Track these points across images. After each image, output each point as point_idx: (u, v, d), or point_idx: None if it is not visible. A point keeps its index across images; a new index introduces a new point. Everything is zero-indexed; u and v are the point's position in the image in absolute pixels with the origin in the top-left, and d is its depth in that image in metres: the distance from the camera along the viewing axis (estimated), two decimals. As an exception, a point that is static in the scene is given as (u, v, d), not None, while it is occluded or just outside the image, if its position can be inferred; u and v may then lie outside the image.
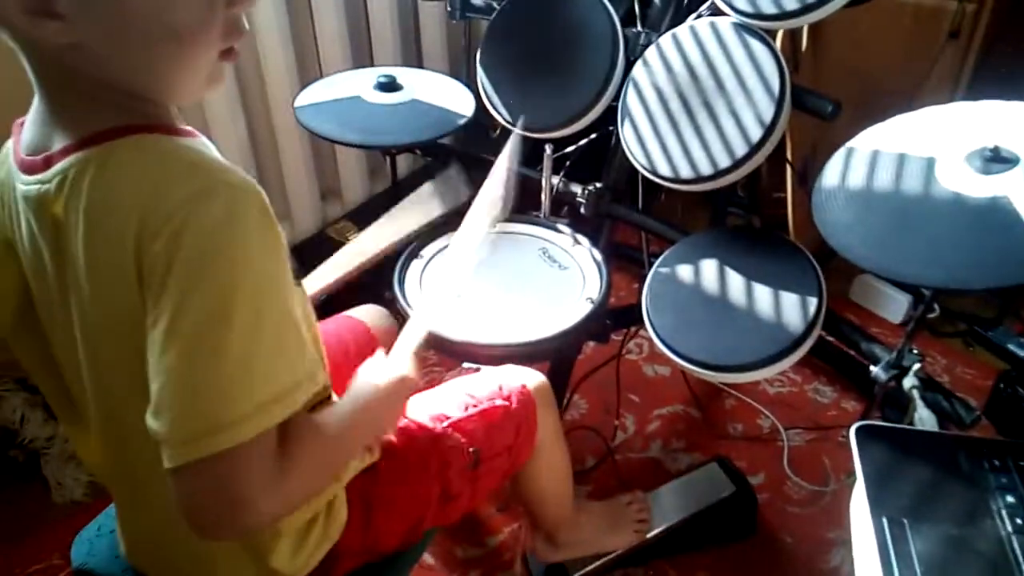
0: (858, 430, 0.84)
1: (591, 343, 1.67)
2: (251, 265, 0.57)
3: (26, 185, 0.62)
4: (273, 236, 0.59)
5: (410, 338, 0.88)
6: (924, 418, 0.90)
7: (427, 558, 1.35)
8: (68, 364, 0.71)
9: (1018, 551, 0.71)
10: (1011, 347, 1.71)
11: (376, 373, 0.79)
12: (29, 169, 0.62)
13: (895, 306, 1.83)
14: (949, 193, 0.85)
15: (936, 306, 1.82)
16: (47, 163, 0.60)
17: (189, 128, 0.65)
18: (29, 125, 0.64)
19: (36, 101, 0.63)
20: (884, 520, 0.75)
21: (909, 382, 0.95)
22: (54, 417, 1.53)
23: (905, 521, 0.74)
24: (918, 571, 0.70)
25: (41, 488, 1.51)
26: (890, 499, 0.77)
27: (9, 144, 0.67)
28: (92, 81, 0.59)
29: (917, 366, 0.97)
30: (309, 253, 1.84)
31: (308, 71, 1.73)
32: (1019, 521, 0.74)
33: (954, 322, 1.83)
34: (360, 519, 0.84)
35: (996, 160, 0.84)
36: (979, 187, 0.84)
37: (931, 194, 0.86)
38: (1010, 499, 0.76)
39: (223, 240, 0.56)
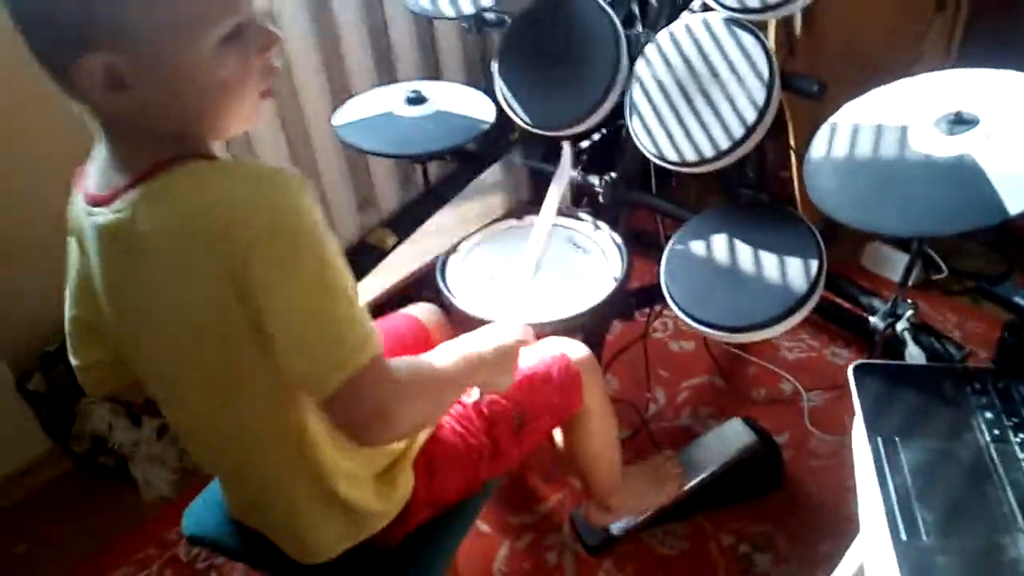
0: (855, 368, 0.95)
1: (619, 324, 1.80)
2: (320, 230, 0.71)
3: (99, 216, 0.75)
4: (314, 201, 0.72)
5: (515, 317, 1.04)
6: (913, 355, 1.02)
7: (483, 526, 1.48)
8: (166, 370, 0.84)
9: (995, 456, 0.83)
10: (1017, 299, 1.79)
11: (498, 335, 0.94)
12: (100, 202, 0.75)
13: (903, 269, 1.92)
14: (920, 155, 0.97)
15: (944, 266, 1.92)
16: (114, 195, 0.73)
17: (218, 155, 0.78)
18: (94, 171, 0.77)
19: (99, 150, 0.77)
20: (879, 439, 0.86)
21: (901, 325, 1.06)
22: (137, 423, 1.70)
23: (897, 439, 0.86)
24: (908, 478, 0.82)
25: (131, 488, 1.67)
26: (884, 422, 0.88)
27: (76, 191, 0.81)
28: (150, 130, 0.72)
29: (910, 312, 1.09)
30: (351, 259, 1.99)
31: (339, 91, 1.87)
32: (996, 432, 0.85)
33: (962, 281, 1.92)
34: (425, 475, 0.97)
35: (959, 122, 0.95)
36: (946, 147, 0.95)
37: (905, 157, 0.98)
38: (988, 415, 0.87)
39: (298, 223, 0.69)
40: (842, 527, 1.33)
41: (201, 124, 0.75)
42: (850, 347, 1.79)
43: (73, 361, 0.94)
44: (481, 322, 1.22)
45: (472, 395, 1.05)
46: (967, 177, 0.91)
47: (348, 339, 0.71)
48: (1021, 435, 0.84)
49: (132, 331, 0.83)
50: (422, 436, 0.99)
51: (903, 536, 0.77)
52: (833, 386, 1.68)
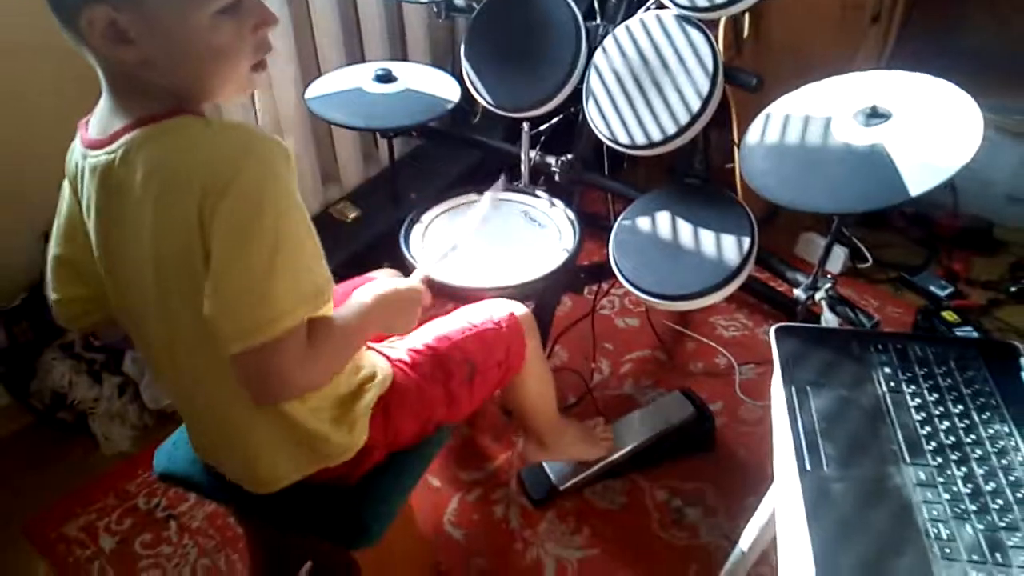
0: (776, 329, 1.06)
1: (569, 303, 1.91)
2: (287, 200, 0.77)
3: (95, 157, 0.82)
4: (293, 171, 0.79)
5: (416, 273, 1.13)
6: (828, 319, 1.14)
7: (435, 481, 1.58)
8: (136, 303, 0.89)
9: (889, 403, 0.95)
10: (932, 288, 1.97)
11: (381, 285, 1.00)
12: (98, 146, 0.82)
13: (834, 258, 2.08)
14: (841, 143, 1.09)
15: (870, 256, 2.08)
16: (112, 139, 0.80)
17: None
18: (96, 118, 0.85)
19: (102, 100, 0.84)
20: (793, 389, 0.98)
21: (820, 295, 1.19)
22: (98, 380, 1.74)
23: (808, 388, 0.98)
24: (816, 420, 0.93)
25: (90, 443, 1.71)
26: (798, 375, 1.00)
27: (76, 140, 0.87)
28: (151, 84, 0.79)
29: (828, 285, 1.21)
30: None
31: (307, 69, 1.94)
32: (892, 384, 0.97)
33: (885, 271, 2.08)
34: (381, 418, 1.05)
35: (874, 116, 1.08)
36: (862, 137, 1.08)
37: (827, 145, 1.10)
38: (887, 370, 1.00)
39: (265, 187, 0.76)
40: (764, 483, 1.45)
41: (196, 84, 0.82)
42: (781, 328, 1.93)
43: (51, 296, 0.98)
44: (440, 284, 1.33)
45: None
46: (878, 163, 1.04)
47: (272, 309, 0.76)
48: (912, 387, 0.96)
49: (114, 267, 0.89)
50: (379, 382, 1.06)
51: (808, 468, 0.88)
52: (764, 360, 1.81)
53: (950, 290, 1.96)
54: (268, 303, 0.77)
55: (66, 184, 0.92)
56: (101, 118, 0.84)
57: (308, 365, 0.82)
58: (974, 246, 2.12)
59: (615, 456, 1.52)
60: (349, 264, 1.71)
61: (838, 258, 2.07)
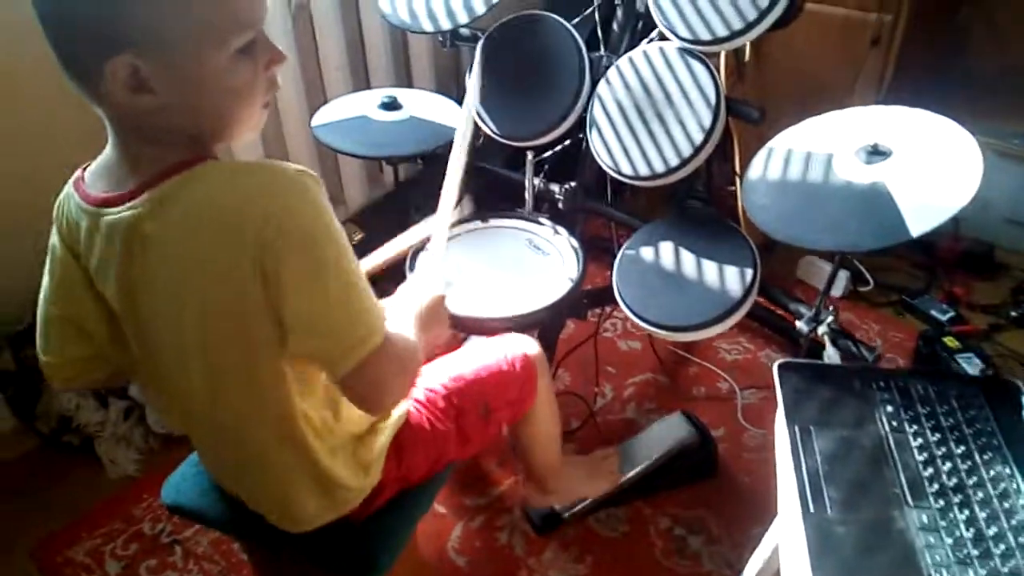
0: (779, 365, 1.07)
1: (572, 325, 1.92)
2: (332, 224, 0.79)
3: (113, 215, 0.80)
4: (325, 194, 0.80)
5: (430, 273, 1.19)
6: (831, 355, 1.15)
7: (439, 507, 1.58)
8: (164, 350, 0.88)
9: (892, 444, 0.96)
10: (933, 312, 1.98)
11: (407, 306, 1.04)
12: (114, 202, 0.80)
13: (836, 282, 2.08)
14: (842, 180, 1.11)
15: (871, 280, 2.09)
16: (134, 193, 0.79)
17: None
18: (101, 174, 0.83)
19: (107, 154, 0.83)
20: (796, 428, 0.99)
21: (822, 329, 1.20)
22: (104, 404, 1.75)
23: (812, 427, 0.98)
24: (819, 461, 0.94)
25: (96, 467, 1.72)
26: (801, 413, 1.01)
27: (69, 194, 0.85)
28: (167, 131, 0.79)
29: (830, 319, 1.22)
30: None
31: (313, 94, 1.95)
32: (894, 423, 0.98)
33: (887, 294, 2.09)
34: (394, 456, 1.06)
35: (876, 153, 1.09)
36: (863, 175, 1.09)
37: (829, 181, 1.11)
38: (889, 409, 1.00)
39: (312, 220, 0.77)
40: (768, 513, 1.45)
41: (214, 127, 0.82)
42: (783, 351, 1.94)
43: (44, 357, 0.96)
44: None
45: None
46: (879, 202, 1.05)
47: (364, 325, 0.81)
48: (915, 426, 0.97)
49: (141, 320, 0.87)
50: (393, 422, 1.07)
51: (812, 510, 0.89)
52: (766, 385, 1.82)
53: (951, 314, 1.97)
54: (359, 322, 0.81)
55: (56, 242, 0.90)
56: (111, 172, 0.82)
57: (400, 372, 0.87)
58: (975, 269, 2.13)
59: (619, 482, 1.52)
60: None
61: (840, 281, 2.08)
